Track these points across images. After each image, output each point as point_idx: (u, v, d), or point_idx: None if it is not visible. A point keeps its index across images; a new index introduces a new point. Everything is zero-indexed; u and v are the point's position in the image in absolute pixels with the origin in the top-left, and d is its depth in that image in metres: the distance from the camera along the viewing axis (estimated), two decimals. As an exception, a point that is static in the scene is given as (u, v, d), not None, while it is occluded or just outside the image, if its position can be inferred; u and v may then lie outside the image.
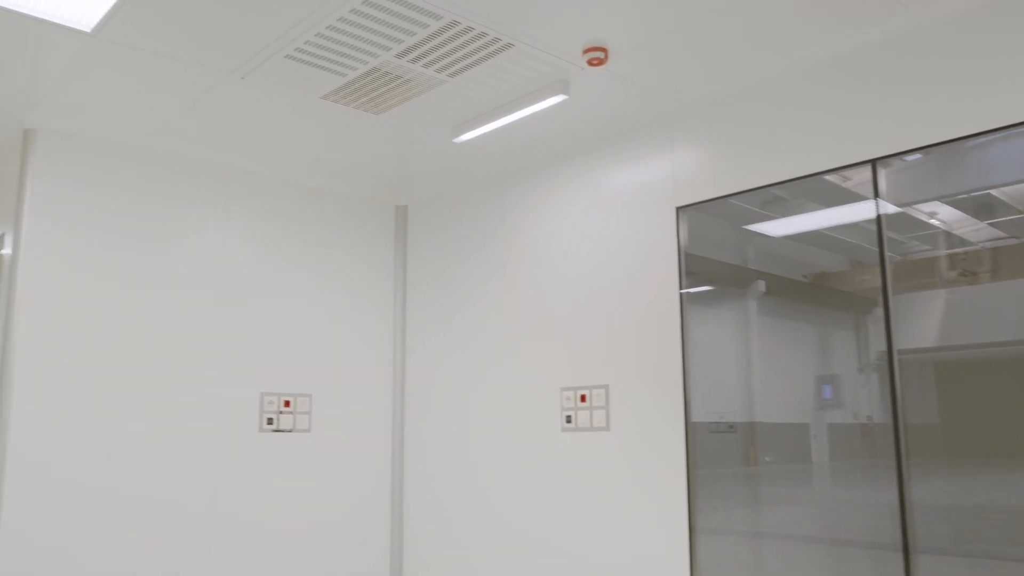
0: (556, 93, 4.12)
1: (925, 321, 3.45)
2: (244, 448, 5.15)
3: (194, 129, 4.77)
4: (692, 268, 4.28)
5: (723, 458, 4.09)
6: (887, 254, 3.56)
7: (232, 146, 5.04)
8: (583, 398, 4.66)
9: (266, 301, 5.36)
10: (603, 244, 4.69)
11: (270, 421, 5.27)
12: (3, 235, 4.76)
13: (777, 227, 4.05)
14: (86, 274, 4.67)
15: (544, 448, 4.86)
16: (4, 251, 4.76)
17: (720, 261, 4.25)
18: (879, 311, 3.56)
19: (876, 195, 3.61)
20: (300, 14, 3.48)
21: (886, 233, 3.58)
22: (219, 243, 5.21)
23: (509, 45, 3.73)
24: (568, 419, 4.73)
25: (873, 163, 3.63)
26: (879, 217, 3.60)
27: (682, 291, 4.27)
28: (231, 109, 4.48)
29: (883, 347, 3.53)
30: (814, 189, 3.86)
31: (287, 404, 5.36)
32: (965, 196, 3.41)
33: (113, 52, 3.85)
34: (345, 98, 4.30)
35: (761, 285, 4.09)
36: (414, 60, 3.87)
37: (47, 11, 3.51)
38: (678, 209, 4.34)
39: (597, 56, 3.78)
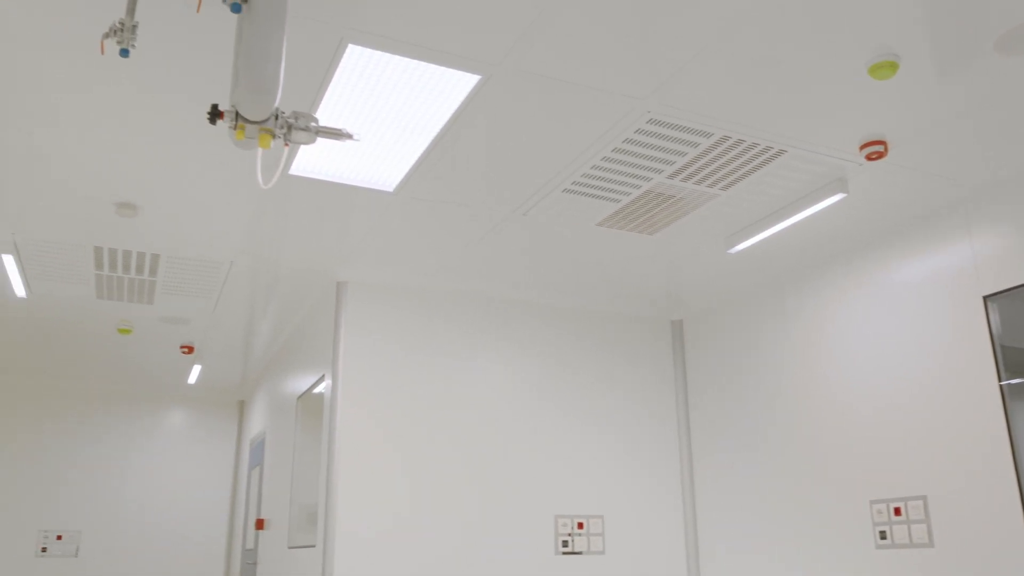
0: (834, 192, 4.01)
1: None
2: (542, 571, 5.22)
3: (479, 266, 5.13)
4: (1006, 359, 3.89)
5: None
6: None
7: (513, 278, 5.34)
8: (897, 511, 4.29)
9: (554, 423, 5.52)
10: (900, 342, 4.39)
11: (565, 543, 5.32)
12: (323, 376, 5.32)
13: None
14: (393, 407, 5.08)
15: (855, 568, 4.49)
16: (322, 391, 5.31)
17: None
18: None
19: None
20: (576, 150, 3.70)
21: None
22: (507, 371, 5.48)
23: (782, 151, 3.72)
24: (882, 535, 4.36)
25: None
26: None
27: (1002, 384, 3.87)
28: (512, 244, 4.78)
29: None
30: None
31: (580, 526, 5.40)
32: None
33: (410, 207, 4.27)
34: (619, 223, 4.45)
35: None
36: (686, 179, 3.95)
37: (356, 178, 3.99)
38: (985, 298, 3.99)
39: (876, 150, 3.66)
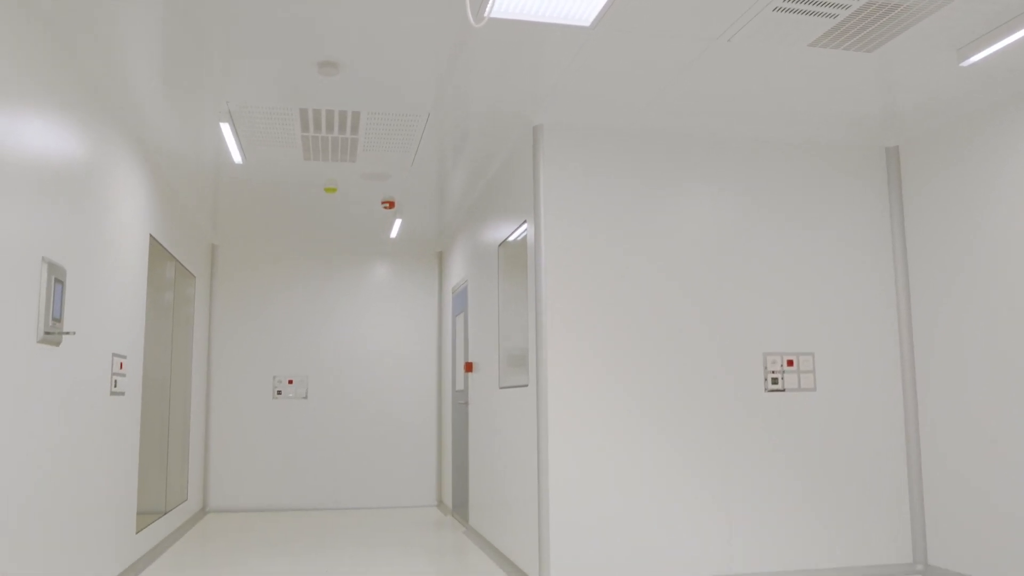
0: (1099, -17, 3.46)
1: None
2: (751, 408, 5.20)
3: (680, 101, 4.90)
4: None
5: None
6: None
7: (716, 111, 5.08)
8: None
9: (761, 260, 5.35)
10: None
11: (775, 380, 5.26)
12: (524, 221, 5.38)
13: None
14: (597, 248, 5.08)
15: (1106, 402, 4.16)
16: (523, 236, 5.38)
17: None
18: None
19: None
20: (791, -39, 3.37)
21: None
22: (711, 208, 5.32)
23: (1038, -61, 3.22)
24: None
25: None
26: None
27: None
28: (716, 75, 4.51)
29: None
30: None
31: (790, 363, 5.30)
32: None
33: (608, 41, 4.09)
34: (834, 41, 4.08)
35: None
36: (916, -18, 3.53)
37: (551, 14, 3.84)
38: None
39: None
